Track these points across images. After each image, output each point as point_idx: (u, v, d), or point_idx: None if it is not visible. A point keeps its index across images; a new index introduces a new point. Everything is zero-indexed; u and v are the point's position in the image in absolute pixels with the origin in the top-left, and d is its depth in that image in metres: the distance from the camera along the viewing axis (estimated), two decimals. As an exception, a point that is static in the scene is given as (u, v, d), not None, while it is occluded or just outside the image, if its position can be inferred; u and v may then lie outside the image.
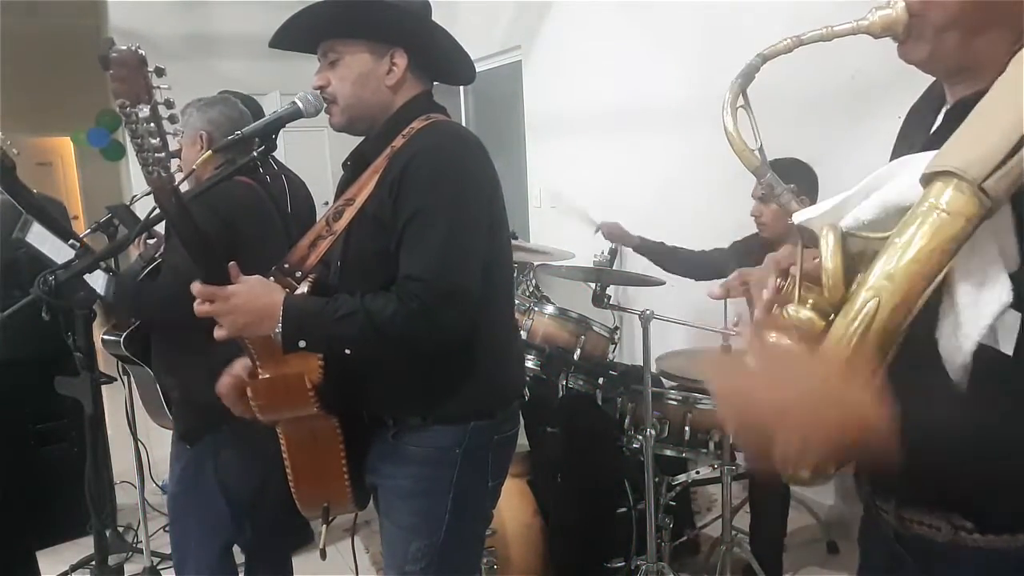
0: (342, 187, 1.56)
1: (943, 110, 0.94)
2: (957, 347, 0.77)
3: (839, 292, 0.80)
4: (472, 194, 1.43)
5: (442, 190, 1.38)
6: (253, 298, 1.35)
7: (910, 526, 0.92)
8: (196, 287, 1.36)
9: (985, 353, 0.77)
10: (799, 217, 0.90)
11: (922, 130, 0.96)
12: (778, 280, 0.89)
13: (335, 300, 1.37)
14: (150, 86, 1.16)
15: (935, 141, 0.88)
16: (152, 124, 1.17)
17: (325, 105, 1.51)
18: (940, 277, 0.75)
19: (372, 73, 1.47)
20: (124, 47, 1.14)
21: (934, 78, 0.98)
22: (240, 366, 1.51)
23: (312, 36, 1.50)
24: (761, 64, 0.93)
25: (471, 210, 1.41)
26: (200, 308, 1.36)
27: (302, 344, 1.35)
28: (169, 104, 1.19)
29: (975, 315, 0.76)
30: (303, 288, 1.47)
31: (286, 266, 1.48)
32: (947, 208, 0.72)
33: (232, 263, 1.37)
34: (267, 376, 1.42)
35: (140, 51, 1.15)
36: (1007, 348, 0.76)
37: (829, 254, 0.81)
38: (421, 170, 1.39)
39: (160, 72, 1.16)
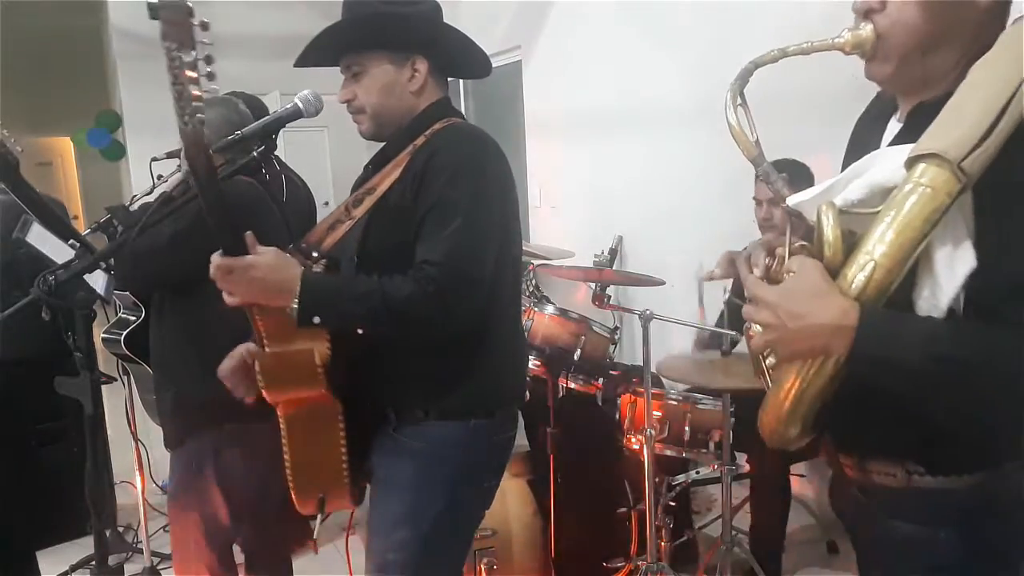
0: (360, 184, 1.58)
1: (896, 116, 1.08)
2: (935, 305, 0.91)
3: (838, 258, 0.93)
4: (490, 191, 1.47)
5: (463, 184, 1.42)
6: (272, 271, 1.36)
7: (871, 476, 1.07)
8: (216, 259, 1.37)
9: (952, 315, 0.91)
10: (792, 200, 1.03)
11: (875, 135, 1.10)
12: (766, 259, 1.02)
13: (353, 278, 1.41)
14: (195, 36, 1.18)
15: (899, 141, 1.03)
16: (195, 72, 1.18)
17: (352, 116, 1.55)
18: (924, 244, 0.88)
19: (396, 82, 1.53)
20: None
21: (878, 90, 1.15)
22: (242, 348, 1.53)
23: (335, 53, 1.54)
24: (754, 69, 1.06)
25: (488, 206, 1.45)
26: (218, 280, 1.37)
27: (316, 320, 1.36)
28: (209, 60, 1.20)
29: (950, 275, 0.90)
30: (318, 269, 1.48)
31: (304, 245, 1.51)
32: (931, 184, 0.86)
33: (249, 232, 1.38)
34: (276, 350, 1.43)
35: (189, 2, 1.17)
36: (960, 312, 0.91)
37: (830, 227, 0.93)
38: (444, 164, 1.43)
39: (205, 26, 1.18)
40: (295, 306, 1.35)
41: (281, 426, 1.50)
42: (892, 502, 1.05)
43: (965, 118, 0.87)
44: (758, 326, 0.97)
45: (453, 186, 1.42)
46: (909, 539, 1.04)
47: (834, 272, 0.92)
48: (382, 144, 1.59)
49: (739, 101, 1.05)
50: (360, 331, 1.42)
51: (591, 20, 4.23)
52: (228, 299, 1.39)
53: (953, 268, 0.89)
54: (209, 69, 1.20)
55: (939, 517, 1.01)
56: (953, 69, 0.98)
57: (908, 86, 1.03)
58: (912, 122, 1.02)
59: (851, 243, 0.93)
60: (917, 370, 0.89)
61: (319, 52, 1.55)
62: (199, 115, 1.20)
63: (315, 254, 1.50)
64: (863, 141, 1.15)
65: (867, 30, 0.99)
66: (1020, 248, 0.89)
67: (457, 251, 1.38)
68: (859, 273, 0.89)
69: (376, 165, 1.57)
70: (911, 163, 0.89)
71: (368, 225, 1.51)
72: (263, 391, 1.44)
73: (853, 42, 1.00)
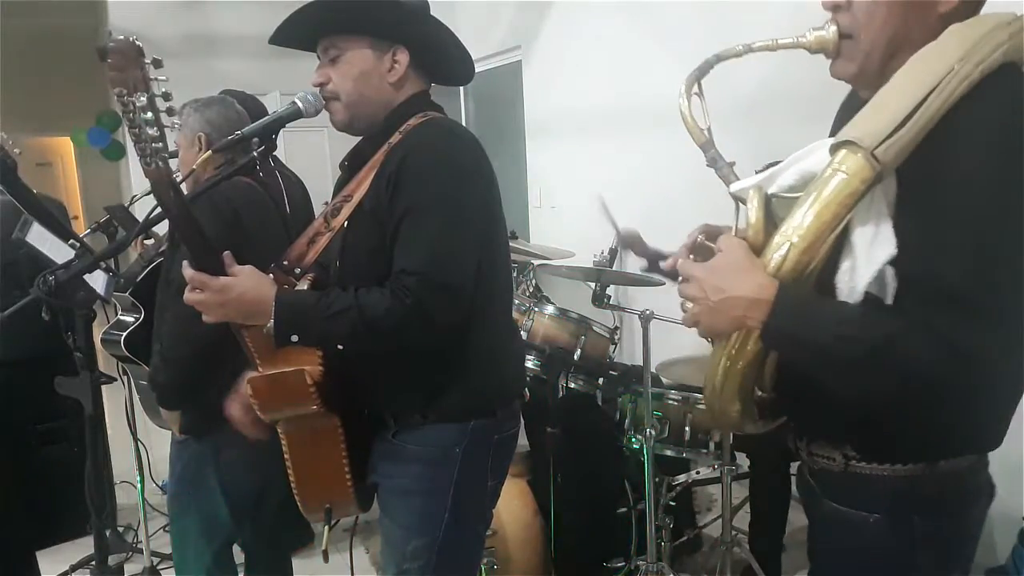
0: (339, 187, 1.56)
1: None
2: (852, 287, 0.95)
3: (760, 239, 0.99)
4: (467, 191, 1.43)
5: (436, 186, 1.38)
6: (245, 291, 1.35)
7: (816, 460, 1.11)
8: (188, 273, 1.36)
9: (872, 301, 0.94)
10: (735, 187, 1.07)
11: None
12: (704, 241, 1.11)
13: (328, 295, 1.37)
14: (147, 76, 1.18)
15: None
16: (150, 114, 1.18)
17: (325, 103, 1.50)
18: (840, 227, 0.93)
19: (375, 70, 1.47)
20: (122, 37, 1.17)
21: None
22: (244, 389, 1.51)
23: (313, 32, 1.49)
24: (716, 63, 1.10)
25: (465, 207, 1.41)
26: (190, 296, 1.36)
27: (294, 339, 1.35)
28: (167, 96, 1.20)
29: (867, 260, 0.94)
30: (303, 285, 1.46)
31: (285, 263, 1.49)
32: (845, 170, 0.91)
33: (227, 252, 1.37)
34: (267, 373, 1.41)
35: (137, 42, 1.17)
36: (888, 299, 0.94)
37: (753, 209, 1.00)
38: (417, 166, 1.39)
39: (158, 64, 1.18)
40: (270, 326, 1.34)
41: (282, 442, 1.49)
42: (831, 485, 1.09)
43: (883, 108, 0.92)
44: (689, 302, 1.03)
45: (427, 188, 1.37)
46: (843, 521, 1.08)
47: (758, 252, 0.98)
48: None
49: (695, 91, 1.10)
50: (340, 347, 1.39)
51: (591, 20, 4.23)
52: (205, 318, 1.38)
53: (871, 253, 0.93)
54: (169, 104, 1.21)
55: (870, 503, 1.05)
56: None
57: (869, 86, 1.04)
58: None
59: (777, 222, 0.97)
60: (825, 348, 0.93)
61: (297, 30, 1.48)
62: (161, 154, 1.20)
63: (297, 270, 1.47)
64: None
65: (831, 31, 1.02)
66: (922, 244, 0.90)
67: (433, 258, 1.34)
68: (775, 253, 0.94)
69: (352, 164, 1.53)
70: (833, 150, 0.94)
71: (348, 234, 1.48)
72: (259, 414, 1.44)
73: (817, 41, 1.03)
